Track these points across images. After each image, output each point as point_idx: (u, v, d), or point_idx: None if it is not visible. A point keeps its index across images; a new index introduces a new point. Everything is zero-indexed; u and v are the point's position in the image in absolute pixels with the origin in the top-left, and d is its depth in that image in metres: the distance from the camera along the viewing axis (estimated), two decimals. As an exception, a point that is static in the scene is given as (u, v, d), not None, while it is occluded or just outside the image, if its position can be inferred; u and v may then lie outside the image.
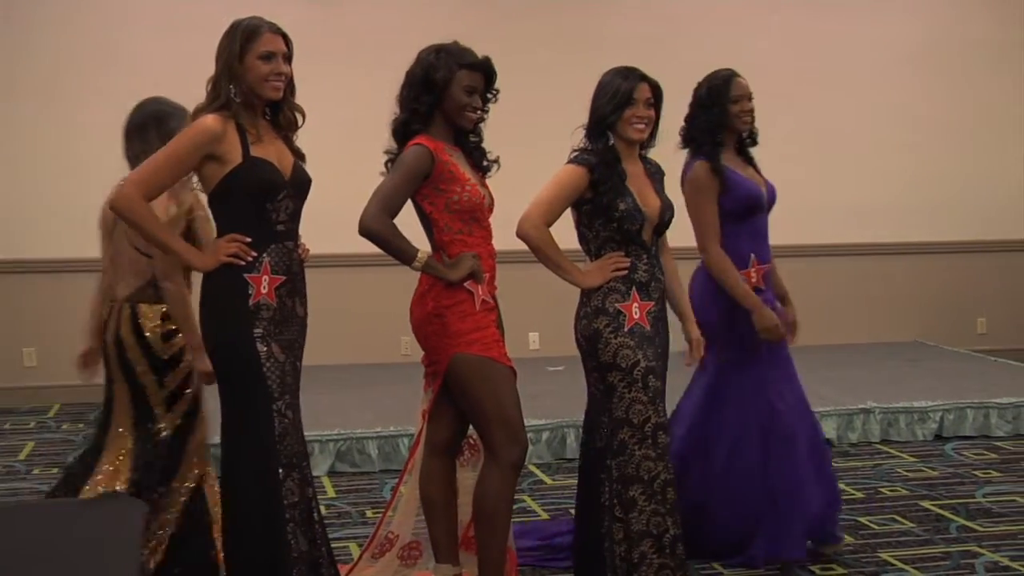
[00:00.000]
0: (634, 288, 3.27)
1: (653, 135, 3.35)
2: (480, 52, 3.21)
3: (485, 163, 3.27)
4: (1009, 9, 7.76)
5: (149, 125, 3.40)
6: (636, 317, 3.25)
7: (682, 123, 3.76)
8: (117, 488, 3.31)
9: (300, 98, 3.10)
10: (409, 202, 3.15)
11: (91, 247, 3.66)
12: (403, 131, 3.18)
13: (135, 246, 3.36)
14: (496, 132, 3.33)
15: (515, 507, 3.45)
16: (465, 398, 3.14)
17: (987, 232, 7.81)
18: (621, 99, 3.23)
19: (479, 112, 3.18)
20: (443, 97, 3.13)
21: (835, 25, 7.40)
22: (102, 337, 3.46)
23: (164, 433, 3.39)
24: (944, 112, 7.68)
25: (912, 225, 7.64)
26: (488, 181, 3.29)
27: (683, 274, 3.60)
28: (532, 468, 4.99)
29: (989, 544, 4.05)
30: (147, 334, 3.37)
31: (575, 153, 3.33)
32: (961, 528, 4.24)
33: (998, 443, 5.55)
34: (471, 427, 3.29)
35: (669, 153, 3.67)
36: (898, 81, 7.58)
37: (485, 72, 3.18)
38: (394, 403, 5.50)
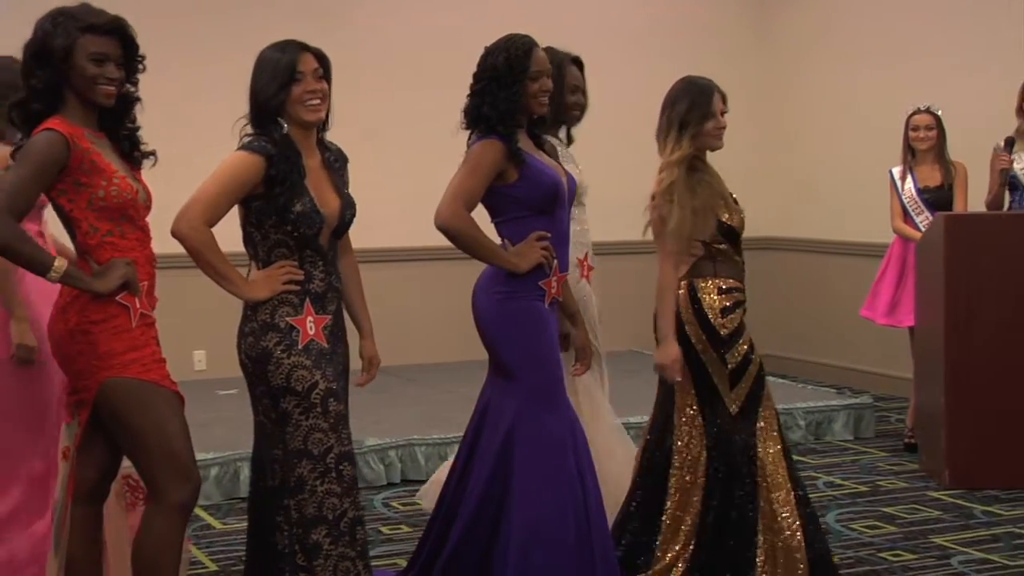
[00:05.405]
0: (308, 300, 3.16)
1: (328, 114, 3.19)
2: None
3: (136, 154, 3.05)
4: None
5: None
6: (311, 333, 3.14)
7: (466, 98, 3.43)
8: None
9: None
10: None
11: None
12: (23, 115, 2.92)
13: None
14: (152, 113, 3.11)
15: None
16: (122, 430, 2.96)
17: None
18: (284, 75, 3.08)
19: (116, 84, 2.92)
20: (67, 70, 2.88)
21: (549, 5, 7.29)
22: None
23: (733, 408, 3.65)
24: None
25: (624, 224, 7.29)
26: (145, 172, 3.09)
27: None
28: (198, 511, 4.76)
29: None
30: (706, 310, 3.64)
31: (248, 138, 3.15)
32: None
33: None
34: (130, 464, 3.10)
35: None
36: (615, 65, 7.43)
37: (119, 35, 2.93)
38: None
